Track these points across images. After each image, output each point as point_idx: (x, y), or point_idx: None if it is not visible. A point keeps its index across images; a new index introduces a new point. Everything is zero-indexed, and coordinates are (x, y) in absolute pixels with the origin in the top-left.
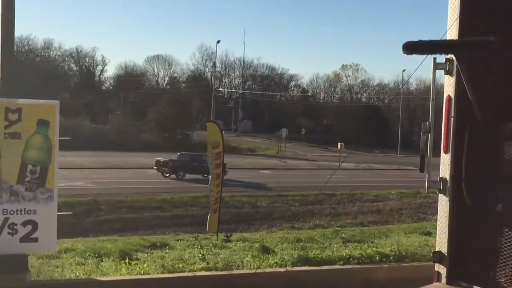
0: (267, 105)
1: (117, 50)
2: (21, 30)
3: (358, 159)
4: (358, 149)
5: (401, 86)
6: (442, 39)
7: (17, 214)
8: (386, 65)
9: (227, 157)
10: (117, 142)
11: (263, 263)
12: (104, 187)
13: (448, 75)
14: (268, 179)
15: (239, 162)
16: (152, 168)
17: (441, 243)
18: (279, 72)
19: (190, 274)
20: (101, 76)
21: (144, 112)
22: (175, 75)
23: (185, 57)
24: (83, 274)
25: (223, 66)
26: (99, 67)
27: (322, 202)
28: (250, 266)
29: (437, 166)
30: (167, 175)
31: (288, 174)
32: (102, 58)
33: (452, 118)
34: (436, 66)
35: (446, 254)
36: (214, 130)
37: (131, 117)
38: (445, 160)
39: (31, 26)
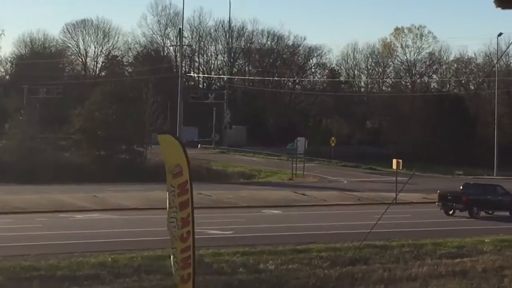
0: (271, 100)
1: (16, 16)
2: None
3: (428, 186)
4: (426, 169)
5: (495, 61)
6: None
7: None
8: (468, 28)
9: (206, 187)
10: (17, 168)
11: None
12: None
13: None
14: (277, 224)
15: (225, 196)
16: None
17: None
18: (291, 43)
19: None
20: None
21: (65, 117)
22: (115, 52)
23: (130, 22)
24: None
25: (195, 35)
26: None
27: (368, 260)
28: None
29: None
30: (451, 212)
31: (310, 215)
32: None
33: None
34: None
35: None
36: (171, 147)
37: (42, 126)
38: None
39: None
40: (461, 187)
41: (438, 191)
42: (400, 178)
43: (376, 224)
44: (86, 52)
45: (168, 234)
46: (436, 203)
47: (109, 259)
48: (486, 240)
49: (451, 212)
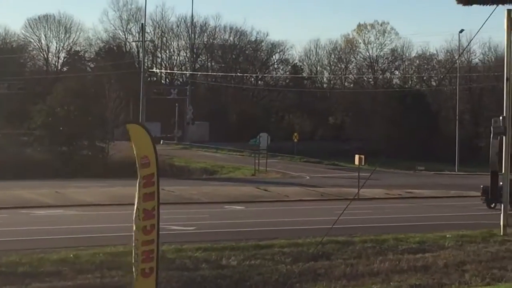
0: (233, 95)
1: None
2: None
3: (389, 181)
4: (388, 165)
5: (457, 58)
6: None
7: None
8: (430, 24)
9: (168, 183)
10: None
11: None
12: None
13: None
14: (240, 220)
15: (188, 191)
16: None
17: None
18: (253, 39)
19: None
20: None
21: (26, 112)
22: (77, 47)
23: (92, 17)
24: None
25: (157, 31)
26: None
27: (331, 255)
28: None
29: None
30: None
31: (272, 211)
32: None
33: None
34: None
35: None
36: (140, 136)
37: (3, 121)
38: None
39: None
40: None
41: (482, 186)
42: (363, 174)
43: (338, 220)
44: (48, 48)
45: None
46: (480, 196)
47: (71, 256)
48: (447, 236)
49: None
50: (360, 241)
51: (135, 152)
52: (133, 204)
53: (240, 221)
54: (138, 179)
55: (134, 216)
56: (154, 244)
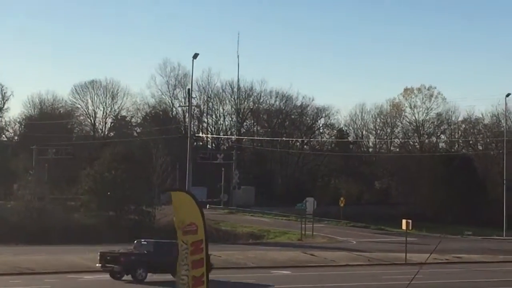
0: (279, 160)
1: (25, 77)
2: None
3: (438, 247)
4: (435, 229)
5: (504, 122)
6: None
7: None
8: (476, 89)
9: (215, 248)
10: (26, 229)
11: None
12: None
13: None
14: (286, 285)
15: (235, 256)
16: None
17: None
18: (299, 103)
19: None
20: None
21: (74, 178)
22: (124, 113)
23: (139, 83)
24: None
25: (203, 96)
26: None
27: None
28: None
29: None
30: (118, 275)
31: (320, 276)
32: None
33: None
34: None
35: None
36: (186, 204)
37: (51, 186)
38: None
39: None
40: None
41: (99, 252)
42: (409, 239)
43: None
44: (95, 113)
45: None
46: (98, 265)
47: None
48: None
49: (118, 276)
50: None
51: (177, 219)
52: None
53: (287, 286)
54: (179, 245)
55: (177, 280)
56: None
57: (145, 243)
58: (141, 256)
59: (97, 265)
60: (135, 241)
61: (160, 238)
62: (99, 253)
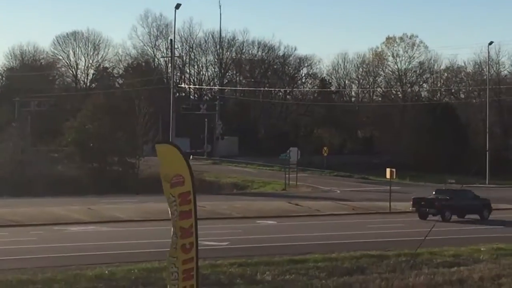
0: (262, 110)
1: (6, 29)
2: None
3: (420, 195)
4: (419, 178)
5: (486, 69)
6: None
7: None
8: (458, 37)
9: (199, 198)
10: (10, 181)
11: None
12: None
13: None
14: (272, 235)
15: (220, 207)
16: (78, 221)
17: None
18: (281, 53)
19: None
20: None
21: (57, 129)
22: (106, 64)
23: (120, 33)
24: None
25: (185, 46)
26: None
27: (365, 269)
28: None
29: None
30: (432, 216)
31: (305, 225)
32: None
33: None
34: None
35: None
36: (172, 156)
37: (34, 138)
38: None
39: None
40: (433, 193)
41: (412, 198)
42: (393, 187)
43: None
44: (77, 64)
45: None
46: (410, 208)
47: (106, 272)
48: (482, 249)
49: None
50: (394, 255)
51: (163, 171)
52: (165, 220)
53: (273, 236)
54: (167, 197)
55: (171, 235)
56: (193, 261)
57: (447, 190)
58: (447, 201)
59: (410, 208)
60: (436, 190)
61: (143, 189)
62: (412, 199)
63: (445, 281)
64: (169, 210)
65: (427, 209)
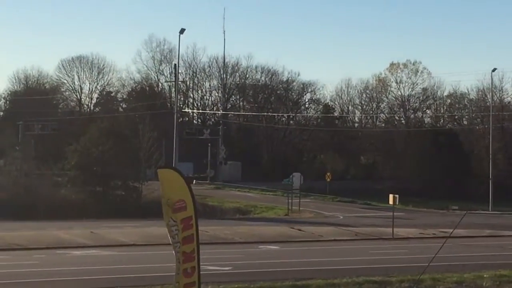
0: (265, 135)
1: (11, 52)
2: None
3: (423, 221)
4: (422, 204)
5: (490, 96)
6: None
7: None
8: (462, 64)
9: (202, 223)
10: (13, 205)
11: None
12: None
13: None
14: (275, 260)
15: (222, 231)
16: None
17: None
18: (285, 78)
19: None
20: None
21: (60, 153)
22: (110, 88)
23: (124, 58)
24: None
25: (189, 71)
26: None
27: None
28: None
29: None
30: None
31: (307, 251)
32: None
33: None
34: None
35: None
36: (174, 181)
37: (38, 162)
38: None
39: None
40: None
41: None
42: (396, 213)
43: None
44: (81, 88)
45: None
46: None
47: None
48: (485, 276)
49: None
50: (397, 281)
51: (165, 196)
52: (169, 244)
53: (275, 261)
54: (167, 222)
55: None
56: (195, 286)
57: None
58: None
59: None
60: None
61: (146, 214)
62: None
63: None
64: (168, 235)
65: None
